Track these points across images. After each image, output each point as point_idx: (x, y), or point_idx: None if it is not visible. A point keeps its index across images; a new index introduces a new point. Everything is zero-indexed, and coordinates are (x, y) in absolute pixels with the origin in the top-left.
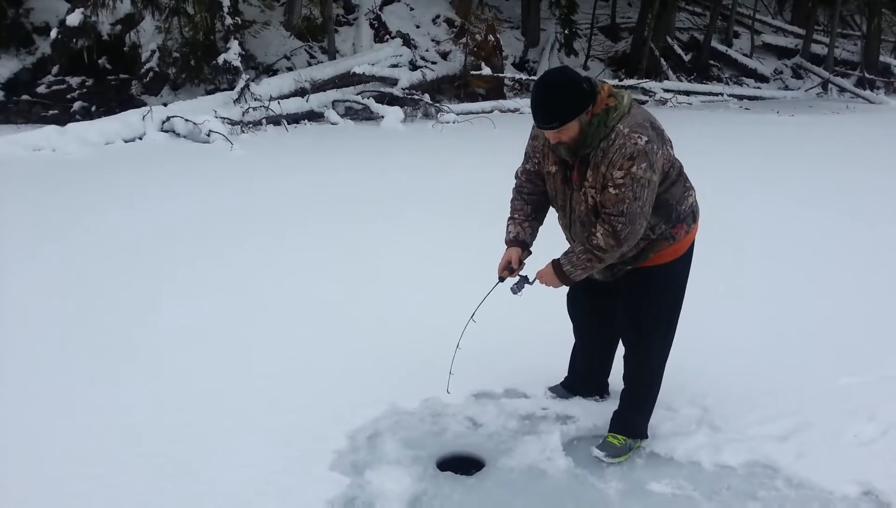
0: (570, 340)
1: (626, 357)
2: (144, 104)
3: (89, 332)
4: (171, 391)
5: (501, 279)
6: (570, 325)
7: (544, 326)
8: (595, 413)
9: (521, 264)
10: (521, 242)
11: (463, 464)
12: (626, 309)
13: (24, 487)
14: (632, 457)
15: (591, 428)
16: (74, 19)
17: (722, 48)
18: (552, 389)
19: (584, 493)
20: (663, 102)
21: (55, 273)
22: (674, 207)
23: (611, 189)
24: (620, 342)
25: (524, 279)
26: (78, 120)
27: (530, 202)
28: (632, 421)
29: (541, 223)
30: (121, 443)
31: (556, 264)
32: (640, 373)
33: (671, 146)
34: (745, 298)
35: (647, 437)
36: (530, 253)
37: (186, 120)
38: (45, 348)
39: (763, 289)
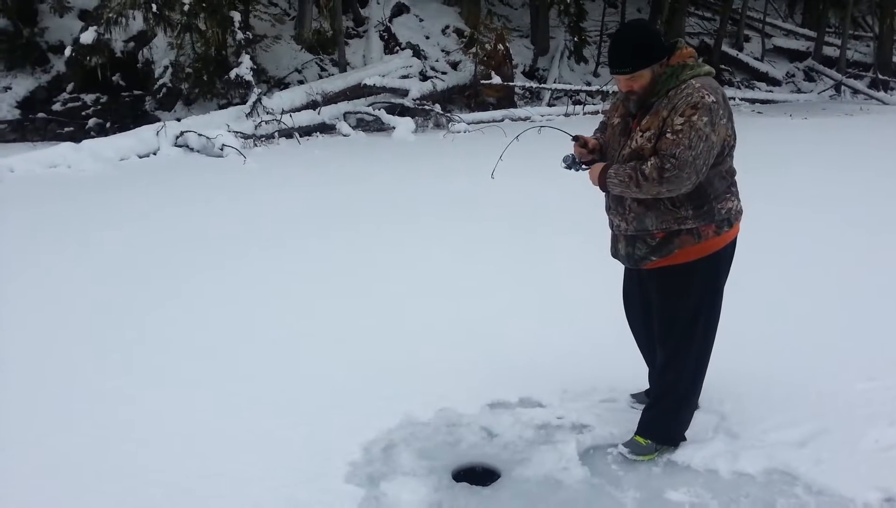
0: (583, 348)
1: (658, 361)
2: (158, 120)
3: (95, 344)
4: (180, 404)
5: (575, 138)
6: (582, 333)
7: (558, 334)
8: (611, 422)
9: (589, 150)
10: (599, 144)
11: (478, 475)
12: (655, 311)
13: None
14: (649, 465)
15: (607, 437)
16: (88, 37)
17: (733, 52)
18: (634, 395)
19: (600, 503)
20: None
21: (65, 287)
22: (710, 199)
23: (668, 134)
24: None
25: (577, 162)
26: (93, 137)
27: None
28: (662, 428)
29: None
30: (128, 458)
31: (605, 166)
32: (671, 377)
33: (733, 125)
34: (761, 303)
35: (677, 446)
36: (595, 158)
37: (200, 135)
38: (49, 361)
39: (780, 294)
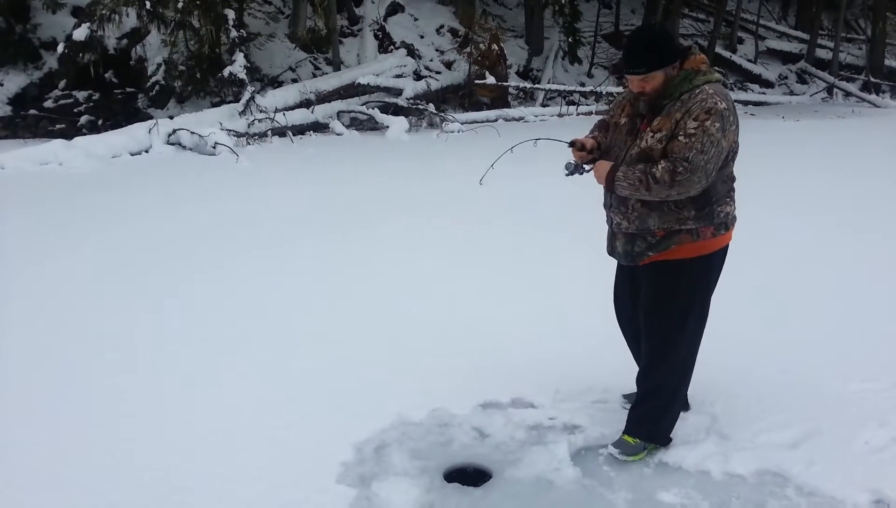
0: (575, 348)
1: (643, 358)
2: (150, 117)
3: (90, 343)
4: (173, 404)
5: (571, 144)
6: (574, 333)
7: (550, 334)
8: (603, 423)
9: (588, 152)
10: (597, 141)
11: (470, 475)
12: (645, 307)
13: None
14: (640, 466)
15: (598, 437)
16: (81, 34)
17: (726, 54)
18: (626, 396)
19: (592, 504)
20: None
21: (60, 286)
22: (712, 201)
23: (681, 137)
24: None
25: (580, 166)
26: (85, 134)
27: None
28: (650, 425)
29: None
30: (122, 458)
31: (613, 167)
32: (659, 375)
33: (738, 133)
34: (753, 304)
35: (666, 445)
36: (595, 156)
37: (192, 133)
38: (45, 359)
39: (772, 296)
